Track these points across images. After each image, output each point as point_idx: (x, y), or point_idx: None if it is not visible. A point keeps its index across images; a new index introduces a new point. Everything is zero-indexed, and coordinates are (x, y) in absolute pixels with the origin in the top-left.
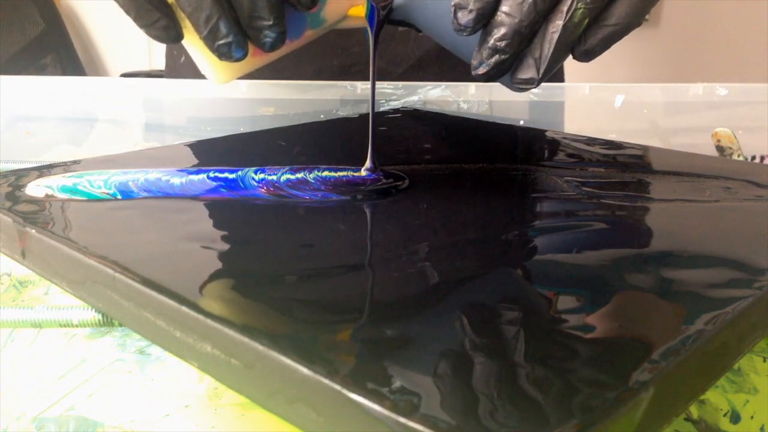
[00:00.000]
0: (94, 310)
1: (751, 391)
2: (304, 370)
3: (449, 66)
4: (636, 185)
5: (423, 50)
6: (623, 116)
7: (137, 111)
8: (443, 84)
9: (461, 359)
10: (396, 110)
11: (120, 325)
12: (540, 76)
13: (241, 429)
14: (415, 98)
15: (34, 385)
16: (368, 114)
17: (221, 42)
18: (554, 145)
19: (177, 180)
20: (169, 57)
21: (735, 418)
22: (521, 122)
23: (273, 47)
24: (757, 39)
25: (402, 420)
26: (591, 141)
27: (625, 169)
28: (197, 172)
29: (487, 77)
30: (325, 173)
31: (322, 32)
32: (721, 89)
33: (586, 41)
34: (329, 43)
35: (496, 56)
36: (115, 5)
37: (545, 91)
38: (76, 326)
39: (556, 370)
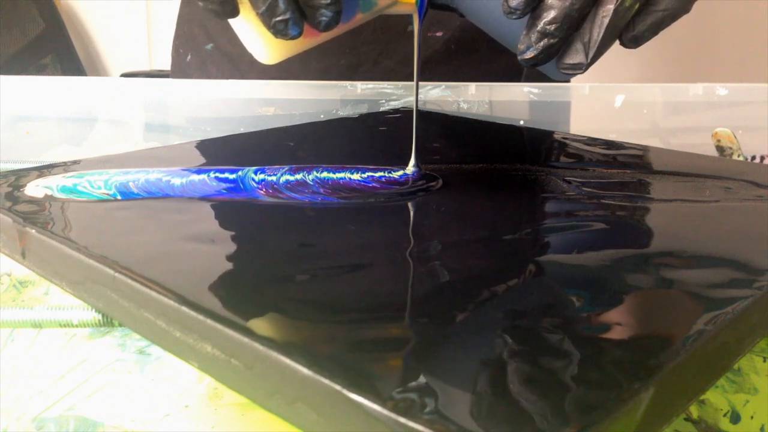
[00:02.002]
0: (94, 310)
1: (751, 391)
2: (304, 370)
3: (456, 66)
4: (636, 185)
5: (431, 50)
6: (623, 116)
7: (137, 111)
8: (443, 84)
9: (461, 360)
10: (396, 110)
11: (120, 325)
12: (589, 60)
13: (241, 429)
14: None
15: (34, 385)
16: (368, 114)
17: (278, 18)
18: (554, 145)
19: (178, 180)
20: (176, 55)
21: (735, 418)
22: (521, 122)
23: (328, 27)
24: (757, 39)
25: (402, 420)
26: (591, 141)
27: (625, 169)
28: (198, 173)
29: (534, 62)
30: (324, 174)
31: (371, 17)
32: (721, 89)
33: (635, 27)
34: (337, 42)
35: (545, 40)
36: (116, 5)
37: (545, 91)
38: (76, 326)
39: (555, 371)
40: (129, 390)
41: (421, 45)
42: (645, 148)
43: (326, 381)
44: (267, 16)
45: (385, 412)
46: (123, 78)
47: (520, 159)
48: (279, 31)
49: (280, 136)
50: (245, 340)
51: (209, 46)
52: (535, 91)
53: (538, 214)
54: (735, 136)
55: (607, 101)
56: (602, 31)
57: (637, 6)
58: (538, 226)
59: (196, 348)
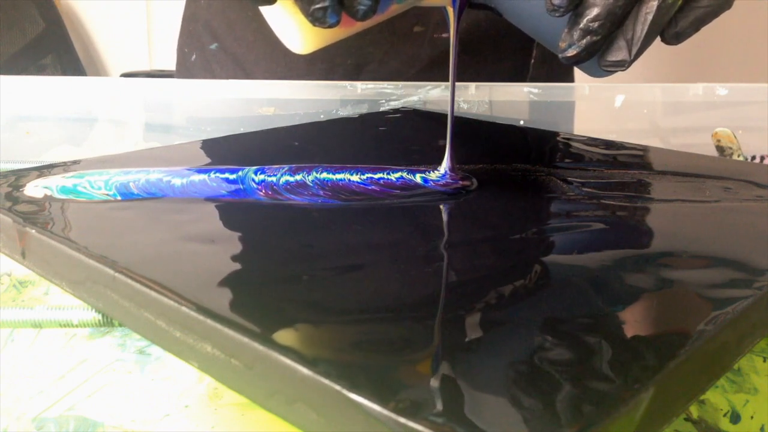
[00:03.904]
0: (94, 310)
1: (751, 391)
2: (304, 370)
3: (461, 67)
4: (636, 185)
5: (437, 51)
6: (623, 116)
7: (137, 111)
8: (443, 84)
9: (461, 360)
10: (396, 110)
11: (120, 325)
12: (632, 57)
13: (241, 429)
14: (415, 98)
15: (34, 385)
16: (369, 114)
17: (318, 6)
18: (554, 145)
19: (178, 181)
20: (180, 55)
21: (735, 418)
22: (521, 122)
23: (365, 16)
24: (757, 39)
25: (402, 420)
26: (591, 141)
27: (625, 169)
28: (198, 173)
29: (576, 60)
30: (324, 175)
31: (405, 8)
32: (721, 89)
33: (677, 23)
34: (343, 42)
35: (588, 38)
36: (116, 5)
37: (545, 91)
38: (76, 326)
39: (556, 370)
40: (129, 390)
41: (457, 40)
42: (645, 148)
43: (326, 381)
44: (306, 3)
45: (386, 412)
46: (123, 78)
47: (519, 159)
48: (317, 18)
49: (281, 136)
50: (245, 340)
51: (214, 46)
52: (535, 91)
53: (536, 215)
54: (735, 136)
55: (607, 101)
56: (646, 27)
57: (679, 2)
58: (537, 226)
59: (196, 348)
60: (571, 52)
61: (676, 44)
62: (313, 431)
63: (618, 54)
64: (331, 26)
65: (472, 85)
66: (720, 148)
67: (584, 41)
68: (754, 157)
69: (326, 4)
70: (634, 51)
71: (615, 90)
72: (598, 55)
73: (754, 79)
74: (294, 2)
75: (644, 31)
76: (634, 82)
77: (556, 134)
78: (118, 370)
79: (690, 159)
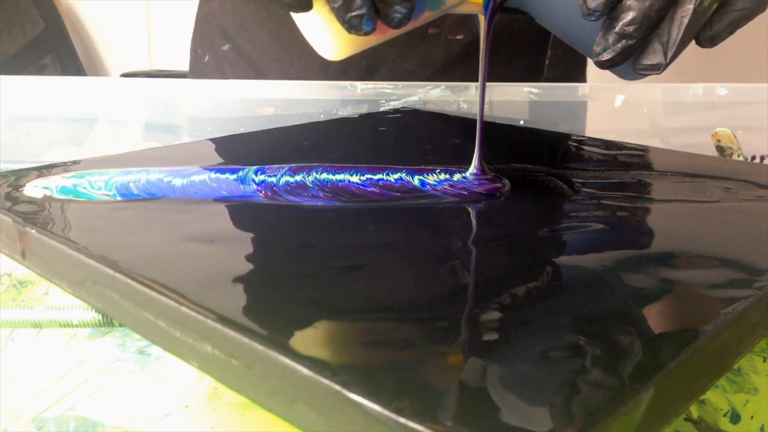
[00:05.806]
0: (94, 310)
1: (751, 391)
2: (304, 370)
3: (475, 69)
4: (636, 185)
5: (452, 53)
6: (623, 116)
7: (137, 111)
8: (443, 84)
9: (460, 360)
10: (396, 110)
11: (120, 325)
12: (668, 61)
13: (241, 429)
14: (415, 98)
15: (34, 385)
16: (369, 114)
17: (354, 14)
18: (554, 145)
19: (178, 181)
20: (194, 55)
21: (735, 418)
22: (521, 122)
23: (400, 24)
24: (757, 39)
25: (402, 420)
26: (591, 141)
27: (625, 169)
28: (198, 173)
29: (611, 63)
30: (324, 176)
31: (438, 15)
32: (721, 89)
33: (712, 26)
34: None
35: (623, 41)
36: (116, 5)
37: (544, 91)
38: (76, 326)
39: (556, 370)
40: (129, 390)
41: (488, 48)
42: (645, 148)
43: (326, 381)
44: (342, 11)
45: (385, 412)
46: (123, 78)
47: (519, 159)
48: (353, 26)
49: (281, 136)
50: (245, 340)
51: (226, 47)
52: (535, 91)
53: (536, 216)
54: (735, 136)
55: (607, 101)
56: (681, 31)
57: (715, 6)
58: (536, 227)
59: (196, 348)
60: (605, 56)
61: (710, 47)
62: (313, 431)
63: (653, 57)
64: (366, 34)
65: (473, 85)
66: (720, 148)
67: (619, 45)
68: (754, 157)
69: (363, 11)
70: (669, 54)
71: (615, 90)
72: (633, 58)
73: (754, 79)
74: (329, 9)
75: (680, 35)
76: (634, 82)
77: (555, 134)
78: (118, 370)
79: (690, 159)
